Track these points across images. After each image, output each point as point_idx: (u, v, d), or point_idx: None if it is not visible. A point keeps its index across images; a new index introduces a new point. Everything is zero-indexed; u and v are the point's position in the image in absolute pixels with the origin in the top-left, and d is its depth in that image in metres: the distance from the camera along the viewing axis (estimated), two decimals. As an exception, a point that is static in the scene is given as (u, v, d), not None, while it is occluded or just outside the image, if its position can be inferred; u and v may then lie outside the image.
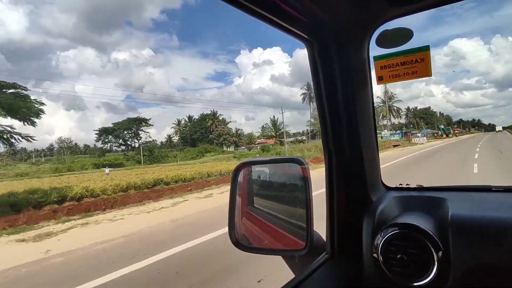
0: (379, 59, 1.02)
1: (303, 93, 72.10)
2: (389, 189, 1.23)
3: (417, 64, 0.97)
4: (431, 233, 0.84)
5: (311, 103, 67.89)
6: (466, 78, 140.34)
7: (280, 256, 1.12)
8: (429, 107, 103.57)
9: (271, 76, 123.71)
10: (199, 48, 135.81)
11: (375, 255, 0.89)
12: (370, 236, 0.95)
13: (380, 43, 0.96)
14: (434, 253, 0.82)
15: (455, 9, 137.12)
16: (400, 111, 78.99)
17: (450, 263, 0.82)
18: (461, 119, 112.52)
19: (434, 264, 0.81)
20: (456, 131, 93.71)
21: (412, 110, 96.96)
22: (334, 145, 1.03)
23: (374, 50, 1.02)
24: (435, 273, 0.81)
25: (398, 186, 1.28)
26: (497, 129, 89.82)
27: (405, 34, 0.93)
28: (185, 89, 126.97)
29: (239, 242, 1.11)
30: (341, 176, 1.04)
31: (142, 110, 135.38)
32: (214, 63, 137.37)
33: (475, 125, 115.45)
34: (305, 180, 1.00)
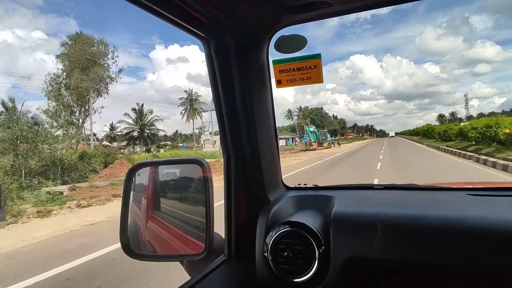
0: (278, 63, 1.16)
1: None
2: (289, 189, 1.37)
3: (310, 70, 1.13)
4: (315, 230, 0.96)
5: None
6: (363, 90, 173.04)
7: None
8: (321, 108, 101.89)
9: (187, 74, 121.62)
10: (107, 38, 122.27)
11: (266, 254, 0.98)
12: (263, 235, 1.04)
13: (278, 47, 1.09)
14: (316, 249, 0.94)
15: (355, 29, 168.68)
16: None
17: (330, 258, 0.95)
18: (355, 124, 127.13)
19: (315, 260, 0.94)
20: (349, 136, 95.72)
21: (303, 110, 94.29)
22: (233, 147, 1.11)
23: (275, 55, 1.14)
24: (316, 269, 0.93)
25: (297, 186, 1.44)
26: (390, 135, 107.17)
27: (300, 41, 1.08)
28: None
29: (131, 249, 1.10)
30: (240, 177, 1.12)
31: (33, 103, 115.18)
32: (126, 56, 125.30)
33: (369, 131, 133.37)
34: (206, 181, 1.06)
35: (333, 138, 66.55)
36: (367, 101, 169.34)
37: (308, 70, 1.14)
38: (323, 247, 0.95)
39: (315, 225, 0.99)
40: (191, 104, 63.58)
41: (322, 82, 1.14)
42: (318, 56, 1.13)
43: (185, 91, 74.28)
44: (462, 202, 1.10)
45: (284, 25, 1.06)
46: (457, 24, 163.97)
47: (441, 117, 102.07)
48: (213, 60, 1.04)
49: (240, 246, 1.11)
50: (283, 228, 0.98)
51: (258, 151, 1.12)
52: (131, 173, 1.19)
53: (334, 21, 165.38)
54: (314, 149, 40.86)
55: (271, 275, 0.97)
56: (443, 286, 0.89)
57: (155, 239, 1.30)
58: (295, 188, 1.41)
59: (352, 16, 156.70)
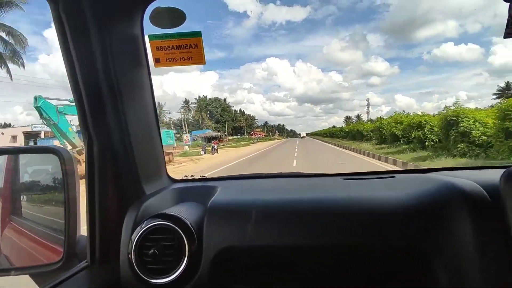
0: (155, 39, 1.10)
1: None
2: (174, 181, 1.33)
3: (191, 49, 1.11)
4: (187, 222, 0.93)
5: None
6: (277, 92, 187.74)
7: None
8: (224, 100, 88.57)
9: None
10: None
11: (130, 254, 0.90)
12: (129, 233, 0.96)
13: (154, 20, 1.03)
14: (186, 244, 0.90)
15: (271, 33, 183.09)
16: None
17: (202, 252, 0.93)
18: (266, 122, 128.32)
19: (185, 256, 0.90)
20: (258, 135, 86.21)
21: (200, 100, 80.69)
22: (96, 133, 0.99)
23: (153, 30, 1.07)
24: (185, 266, 0.89)
25: (184, 178, 1.42)
26: (301, 135, 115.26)
27: (178, 16, 1.04)
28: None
29: None
30: (106, 168, 1.02)
31: None
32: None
33: (280, 130, 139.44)
34: (65, 174, 0.97)
35: (222, 136, 56.54)
36: (280, 102, 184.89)
37: (189, 49, 1.11)
38: (195, 241, 0.92)
39: (191, 217, 0.97)
40: None
41: (204, 63, 1.13)
42: (198, 34, 1.11)
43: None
44: (335, 185, 1.23)
45: None
46: (357, 40, 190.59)
47: (348, 119, 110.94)
48: (64, 25, 0.90)
49: (105, 248, 1.02)
50: (152, 222, 0.92)
51: (129, 138, 1.05)
52: None
53: (252, 22, 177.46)
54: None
55: (135, 277, 0.90)
56: (315, 267, 0.95)
57: (13, 251, 1.16)
58: (182, 180, 1.38)
59: (269, 20, 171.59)
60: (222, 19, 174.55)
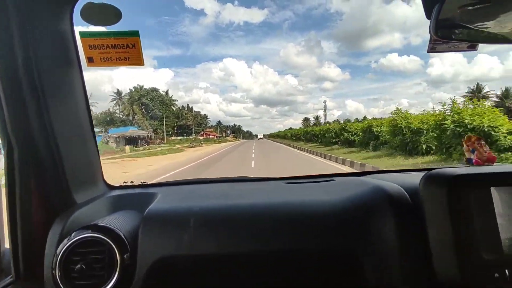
0: (87, 36, 1.04)
1: None
2: (112, 188, 1.28)
3: (129, 49, 1.07)
4: (121, 234, 0.89)
5: None
6: (234, 92, 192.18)
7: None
8: (166, 92, 73.94)
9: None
10: None
11: (54, 270, 0.85)
12: (54, 247, 0.91)
13: (85, 16, 0.97)
14: (118, 257, 0.86)
15: (229, 33, 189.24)
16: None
17: (136, 264, 0.90)
18: (219, 122, 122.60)
19: (115, 269, 0.86)
20: (210, 136, 78.92)
21: (134, 90, 64.48)
22: (17, 138, 0.93)
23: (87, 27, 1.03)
24: (116, 280, 0.85)
25: (123, 184, 1.36)
26: (258, 137, 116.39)
27: (113, 13, 0.99)
28: None
29: None
30: (28, 175, 0.96)
31: None
32: None
33: (235, 131, 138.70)
34: None
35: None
36: (237, 103, 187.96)
37: (126, 49, 1.07)
38: (128, 252, 0.89)
39: (125, 227, 0.94)
40: None
41: (143, 64, 1.09)
42: (136, 34, 1.07)
43: None
44: (276, 190, 1.26)
45: None
46: (312, 45, 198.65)
47: (306, 120, 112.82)
48: None
49: (30, 263, 0.96)
50: (80, 234, 0.87)
51: (57, 142, 0.98)
52: None
53: (209, 20, 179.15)
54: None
55: None
56: (253, 274, 0.97)
57: None
58: (120, 187, 1.32)
59: (226, 19, 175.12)
60: (178, 16, 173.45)
